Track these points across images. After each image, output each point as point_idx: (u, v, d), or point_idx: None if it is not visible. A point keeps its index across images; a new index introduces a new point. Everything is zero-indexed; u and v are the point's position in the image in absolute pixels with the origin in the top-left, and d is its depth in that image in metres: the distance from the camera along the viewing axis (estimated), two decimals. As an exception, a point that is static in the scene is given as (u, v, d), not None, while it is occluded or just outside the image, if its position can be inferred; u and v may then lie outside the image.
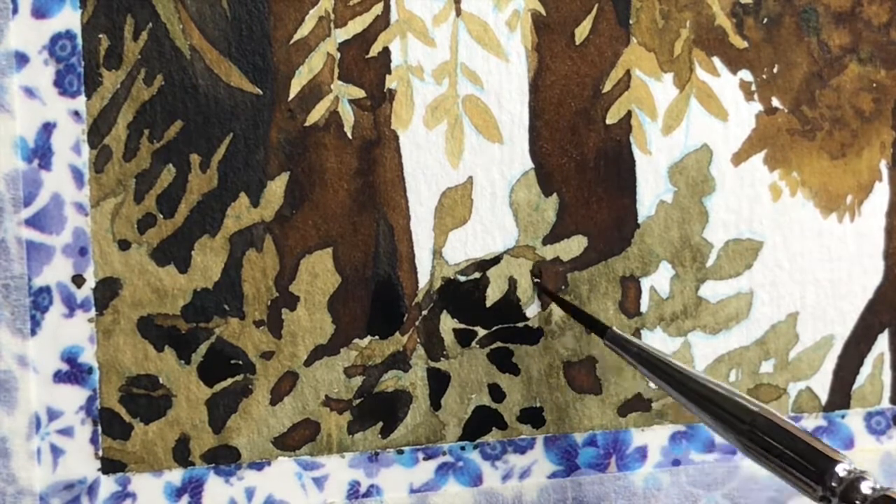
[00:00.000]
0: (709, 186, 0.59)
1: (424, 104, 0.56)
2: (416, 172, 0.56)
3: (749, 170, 0.60)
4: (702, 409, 0.50)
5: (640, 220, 0.59)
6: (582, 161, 0.58)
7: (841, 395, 0.62)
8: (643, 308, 0.59)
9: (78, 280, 0.52)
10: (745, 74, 0.59)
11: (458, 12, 0.56)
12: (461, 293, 0.57)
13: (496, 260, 0.57)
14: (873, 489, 0.44)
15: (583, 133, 0.58)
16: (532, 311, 0.57)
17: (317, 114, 0.55)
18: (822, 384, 0.61)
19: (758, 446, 0.47)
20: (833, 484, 0.44)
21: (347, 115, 0.55)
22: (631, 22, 0.58)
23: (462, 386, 0.57)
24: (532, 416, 0.58)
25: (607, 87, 0.58)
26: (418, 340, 0.56)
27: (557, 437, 0.58)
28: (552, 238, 0.58)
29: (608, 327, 0.55)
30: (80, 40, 0.52)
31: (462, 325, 0.57)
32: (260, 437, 0.55)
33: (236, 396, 0.54)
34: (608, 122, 0.58)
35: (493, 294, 0.57)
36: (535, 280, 0.56)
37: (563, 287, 0.58)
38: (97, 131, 0.52)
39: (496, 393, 0.58)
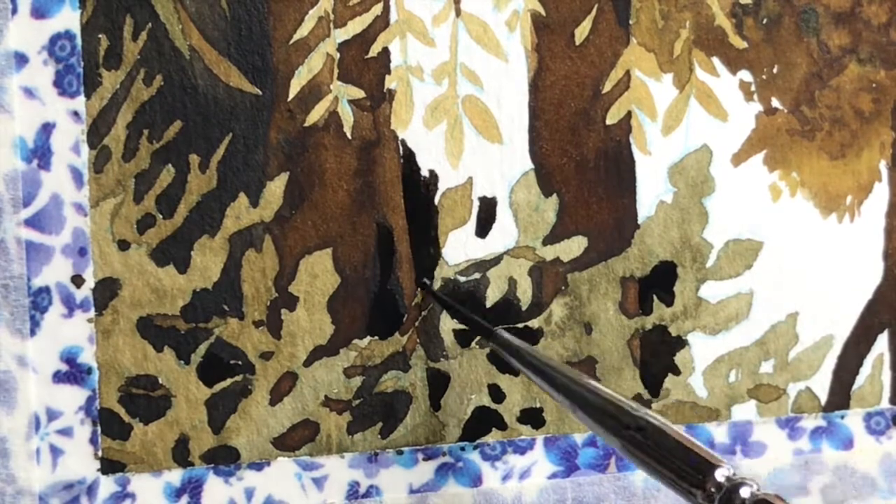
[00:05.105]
0: (709, 187, 0.59)
1: (424, 104, 0.56)
2: (416, 173, 0.56)
3: (749, 170, 0.60)
4: (584, 413, 0.49)
5: (640, 221, 0.59)
6: (582, 161, 0.58)
7: (840, 396, 0.62)
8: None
9: (77, 280, 0.52)
10: (745, 75, 0.59)
11: (458, 12, 0.56)
12: (461, 294, 0.57)
13: (496, 260, 0.57)
14: (753, 494, 0.43)
15: (583, 133, 0.58)
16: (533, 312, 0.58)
17: (316, 114, 0.55)
18: (821, 384, 0.61)
19: (638, 450, 0.47)
20: (712, 489, 0.44)
21: (347, 116, 0.55)
22: (631, 22, 0.58)
23: (462, 386, 0.57)
24: (532, 417, 0.58)
25: (607, 87, 0.58)
26: (418, 341, 0.56)
27: (557, 437, 0.58)
28: (552, 238, 0.58)
29: (494, 330, 0.54)
30: (79, 40, 0.52)
31: (462, 326, 0.57)
32: (259, 438, 0.55)
33: (236, 397, 0.54)
34: (608, 122, 0.58)
35: (493, 295, 0.57)
36: (423, 285, 0.56)
37: (562, 288, 0.58)
38: (96, 131, 0.52)
39: (496, 393, 0.57)
